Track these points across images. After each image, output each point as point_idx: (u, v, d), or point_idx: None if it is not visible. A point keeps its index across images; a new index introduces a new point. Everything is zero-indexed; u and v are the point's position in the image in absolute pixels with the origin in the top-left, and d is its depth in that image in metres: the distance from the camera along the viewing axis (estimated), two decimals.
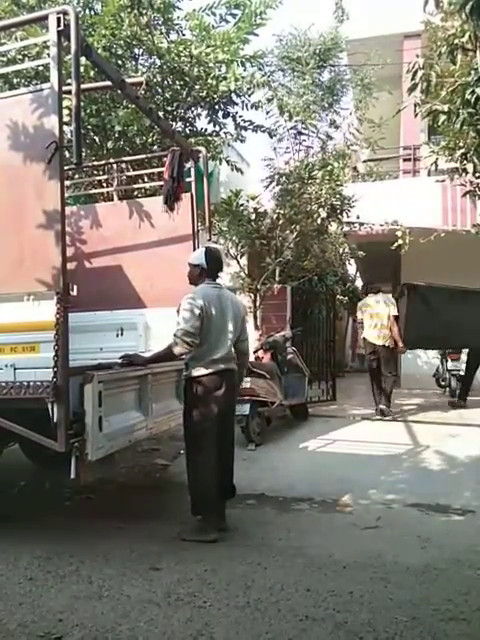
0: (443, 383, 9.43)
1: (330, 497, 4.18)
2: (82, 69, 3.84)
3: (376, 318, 7.16)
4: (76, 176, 6.07)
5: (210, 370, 3.35)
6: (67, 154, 3.61)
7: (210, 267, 3.51)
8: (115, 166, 5.45)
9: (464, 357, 9.26)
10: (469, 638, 2.26)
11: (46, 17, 2.89)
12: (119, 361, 3.52)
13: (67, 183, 5.34)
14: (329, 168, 7.70)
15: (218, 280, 3.61)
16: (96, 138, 6.26)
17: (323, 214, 7.62)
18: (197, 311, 3.29)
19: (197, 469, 3.38)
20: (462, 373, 9.03)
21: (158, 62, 6.17)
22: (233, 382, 3.52)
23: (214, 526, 3.36)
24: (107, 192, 5.75)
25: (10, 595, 2.64)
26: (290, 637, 2.26)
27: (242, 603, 2.54)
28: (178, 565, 2.96)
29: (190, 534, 3.34)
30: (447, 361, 9.09)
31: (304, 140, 8.58)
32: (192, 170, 4.75)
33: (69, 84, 2.93)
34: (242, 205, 7.51)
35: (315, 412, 7.34)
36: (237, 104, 6.57)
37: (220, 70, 6.17)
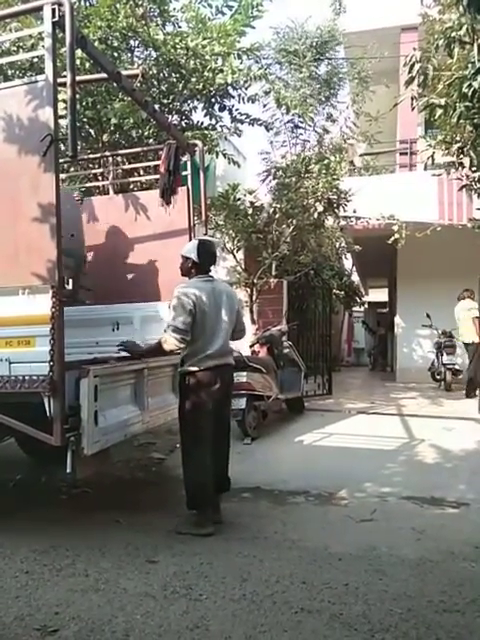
0: (439, 377, 9.48)
1: (325, 490, 4.20)
2: (77, 61, 3.82)
3: (458, 322, 8.60)
4: (71, 169, 6.03)
5: (205, 365, 3.34)
6: (62, 147, 3.58)
7: (202, 261, 3.44)
8: (111, 159, 5.42)
9: (459, 351, 9.33)
10: (463, 629, 2.28)
11: (41, 8, 2.86)
12: (115, 355, 3.51)
13: (62, 176, 5.31)
14: (326, 162, 7.68)
15: (211, 273, 3.54)
16: (91, 131, 6.22)
17: (320, 208, 7.61)
18: (188, 306, 3.24)
19: (192, 463, 3.38)
20: (457, 367, 9.12)
21: (154, 54, 6.12)
22: (228, 377, 3.52)
23: (209, 519, 3.37)
24: (103, 185, 5.72)
25: (6, 588, 2.64)
26: (286, 629, 2.28)
27: (238, 596, 2.55)
28: (174, 558, 2.97)
29: (186, 527, 3.35)
30: (442, 355, 9.14)
31: (301, 134, 8.58)
32: (188, 163, 4.73)
33: (64, 76, 2.91)
34: (239, 199, 7.49)
35: (311, 406, 7.37)
36: (233, 97, 6.54)
37: (216, 62, 6.12)
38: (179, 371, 3.49)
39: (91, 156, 5.88)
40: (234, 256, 8.04)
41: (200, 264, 3.44)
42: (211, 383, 3.35)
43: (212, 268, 3.57)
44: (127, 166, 5.81)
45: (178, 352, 3.42)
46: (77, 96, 3.33)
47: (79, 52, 3.46)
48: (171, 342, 3.27)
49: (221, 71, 6.07)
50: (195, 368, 3.34)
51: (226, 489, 3.59)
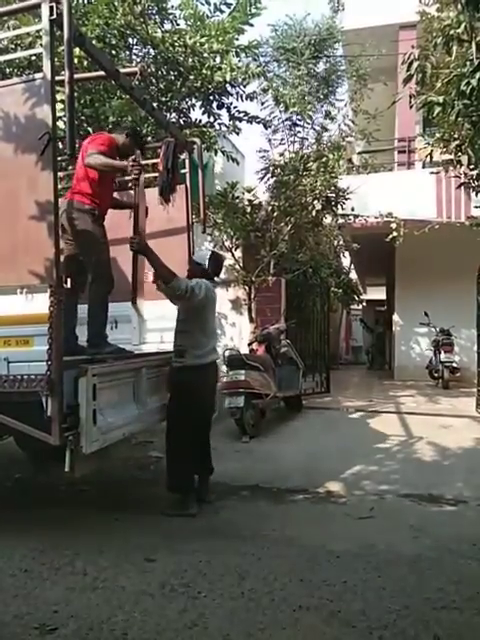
0: (436, 374, 9.50)
1: (324, 488, 4.20)
2: (75, 59, 3.81)
3: None
4: (69, 167, 6.01)
5: (203, 361, 3.68)
6: (60, 145, 3.58)
7: (211, 270, 3.88)
8: None
9: (457, 349, 9.35)
10: (461, 626, 2.28)
11: (38, 5, 2.85)
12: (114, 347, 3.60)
13: (60, 174, 5.29)
14: (324, 160, 7.68)
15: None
16: (90, 129, 6.19)
17: (318, 206, 7.62)
18: (202, 294, 3.62)
19: (180, 451, 3.69)
20: (455, 365, 9.12)
21: (152, 52, 6.11)
22: (217, 372, 3.99)
23: (194, 501, 3.67)
24: None
25: (5, 587, 2.65)
26: (284, 627, 2.28)
27: (236, 593, 2.56)
28: (172, 556, 2.98)
29: (172, 509, 3.60)
30: (440, 353, 9.16)
31: (299, 131, 8.57)
32: (187, 161, 4.72)
33: (62, 74, 2.90)
34: (237, 197, 7.49)
35: (309, 404, 7.38)
36: (232, 95, 6.53)
37: (215, 60, 6.11)
38: (177, 364, 3.71)
39: None
40: (232, 254, 8.04)
41: (209, 272, 3.87)
42: (205, 377, 3.74)
43: (216, 278, 4.02)
44: None
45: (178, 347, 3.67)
46: (75, 94, 3.32)
47: (77, 50, 3.46)
48: (179, 285, 3.54)
49: (219, 69, 6.06)
50: (196, 362, 3.65)
51: (212, 472, 3.95)
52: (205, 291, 3.64)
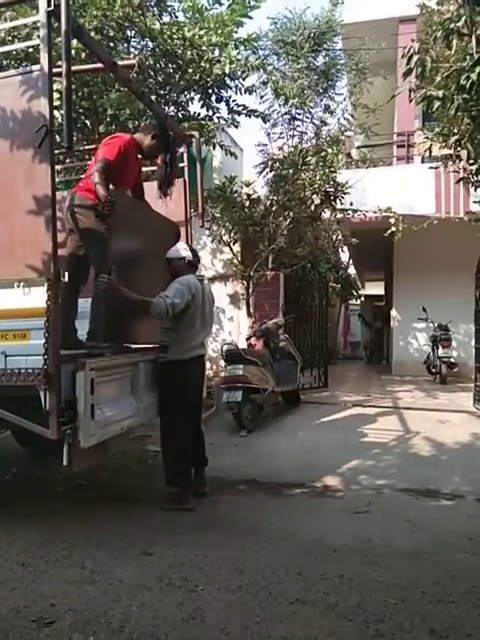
0: (434, 370, 9.52)
1: (321, 482, 4.22)
2: (73, 51, 3.78)
3: None
4: (67, 161, 5.98)
5: (190, 355, 3.72)
6: (57, 138, 3.56)
7: (195, 260, 3.86)
8: None
9: (455, 344, 9.35)
10: (457, 620, 2.30)
11: None
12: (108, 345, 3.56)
13: (58, 168, 5.26)
14: (323, 154, 7.66)
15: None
16: (87, 122, 6.16)
17: (317, 200, 7.60)
18: (187, 297, 3.58)
19: (176, 445, 3.69)
20: (453, 360, 9.14)
21: (150, 44, 6.07)
22: (204, 365, 4.03)
23: (191, 495, 3.69)
24: None
25: (3, 580, 2.65)
26: (281, 620, 2.29)
27: (234, 587, 2.57)
28: (170, 550, 2.99)
29: (170, 504, 3.63)
30: (438, 348, 9.18)
31: (298, 125, 8.54)
32: (185, 155, 4.70)
33: (60, 66, 2.87)
34: (236, 191, 7.46)
35: (307, 399, 7.39)
36: (231, 88, 6.49)
37: (213, 53, 6.08)
38: (163, 359, 3.72)
39: (87, 147, 5.82)
40: (230, 248, 8.02)
41: (194, 263, 3.86)
42: (193, 371, 3.77)
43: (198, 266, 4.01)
44: None
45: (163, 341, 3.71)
46: (73, 86, 3.29)
47: (75, 42, 3.43)
48: (159, 309, 3.46)
49: (218, 61, 6.03)
50: (182, 357, 3.67)
51: (207, 463, 3.97)
52: (187, 298, 3.57)
